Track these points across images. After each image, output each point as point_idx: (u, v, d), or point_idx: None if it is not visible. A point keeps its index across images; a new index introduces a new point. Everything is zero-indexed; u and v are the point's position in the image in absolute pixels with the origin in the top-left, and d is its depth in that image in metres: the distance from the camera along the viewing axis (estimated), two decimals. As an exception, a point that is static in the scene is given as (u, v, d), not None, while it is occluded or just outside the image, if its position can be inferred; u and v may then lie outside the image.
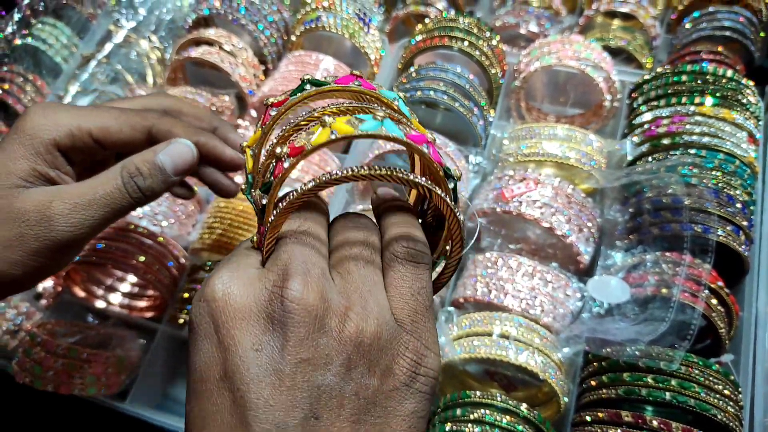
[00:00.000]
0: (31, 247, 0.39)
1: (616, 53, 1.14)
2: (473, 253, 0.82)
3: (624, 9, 1.20)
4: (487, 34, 0.94)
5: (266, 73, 1.04)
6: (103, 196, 0.41)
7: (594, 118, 0.98)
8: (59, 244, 0.40)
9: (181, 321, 0.81)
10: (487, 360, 0.71)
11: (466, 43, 0.92)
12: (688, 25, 1.13)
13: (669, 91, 0.85)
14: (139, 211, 0.91)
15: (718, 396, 0.66)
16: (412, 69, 0.94)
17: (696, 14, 1.14)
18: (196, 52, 0.97)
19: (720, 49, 1.05)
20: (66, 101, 1.00)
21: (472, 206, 0.84)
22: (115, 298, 0.95)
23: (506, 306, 0.75)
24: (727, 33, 1.09)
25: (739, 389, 0.69)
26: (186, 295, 0.83)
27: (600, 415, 0.68)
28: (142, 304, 0.96)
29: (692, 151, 0.79)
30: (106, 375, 0.82)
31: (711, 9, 1.13)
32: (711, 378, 0.67)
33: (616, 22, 1.27)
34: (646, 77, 0.89)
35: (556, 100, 1.03)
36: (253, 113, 0.96)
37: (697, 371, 0.67)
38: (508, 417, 0.69)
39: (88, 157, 0.46)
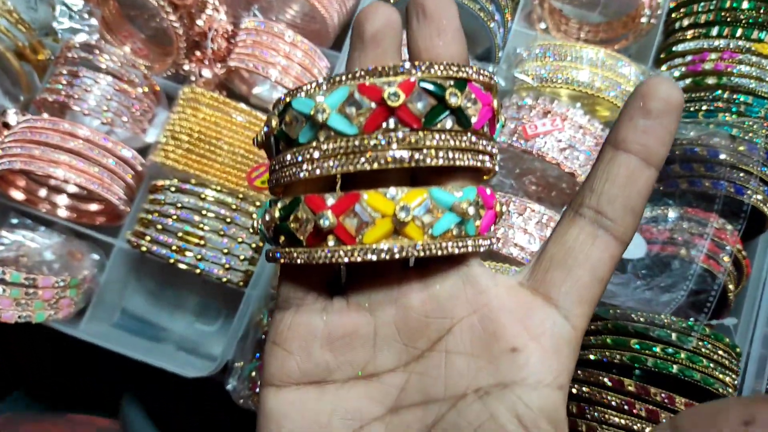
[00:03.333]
0: None
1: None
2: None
3: None
4: None
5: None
6: None
7: (623, 31, 0.86)
8: None
9: (144, 249, 0.71)
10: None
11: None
12: None
13: (723, 18, 0.73)
14: (84, 106, 0.75)
15: (723, 369, 0.64)
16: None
17: None
18: None
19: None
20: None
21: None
22: (62, 200, 0.82)
23: (515, 258, 0.68)
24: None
25: (740, 357, 0.68)
26: (147, 216, 0.72)
27: (602, 379, 0.66)
28: (94, 207, 0.84)
29: (740, 97, 0.69)
30: (56, 299, 0.72)
31: None
32: (720, 352, 0.65)
33: None
34: (697, -6, 0.76)
35: (581, 2, 0.89)
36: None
37: (709, 345, 0.64)
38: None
39: None
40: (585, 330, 0.25)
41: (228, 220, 0.70)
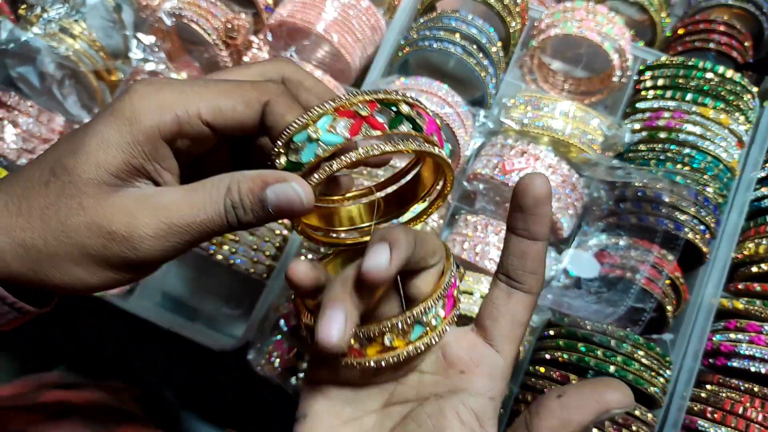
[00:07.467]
0: (110, 262, 0.35)
1: (631, 4, 1.13)
2: (465, 213, 0.89)
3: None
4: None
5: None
6: (203, 222, 0.35)
7: (600, 86, 1.01)
8: (142, 262, 0.35)
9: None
10: (464, 316, 0.81)
11: (492, -6, 0.91)
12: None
13: (676, 84, 0.88)
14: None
15: (652, 373, 0.78)
16: (433, 14, 0.93)
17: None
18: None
19: (729, 20, 1.06)
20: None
21: (471, 168, 0.89)
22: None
23: (489, 270, 0.83)
24: (743, 4, 1.10)
25: (671, 366, 0.81)
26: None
27: (553, 374, 0.80)
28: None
29: (685, 150, 0.84)
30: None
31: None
32: (651, 358, 0.79)
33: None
34: (663, 60, 0.91)
35: (567, 59, 1.04)
36: (269, 37, 0.94)
37: (641, 352, 0.78)
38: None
39: (194, 148, 0.38)
40: (514, 359, 0.36)
41: (258, 222, 0.86)
